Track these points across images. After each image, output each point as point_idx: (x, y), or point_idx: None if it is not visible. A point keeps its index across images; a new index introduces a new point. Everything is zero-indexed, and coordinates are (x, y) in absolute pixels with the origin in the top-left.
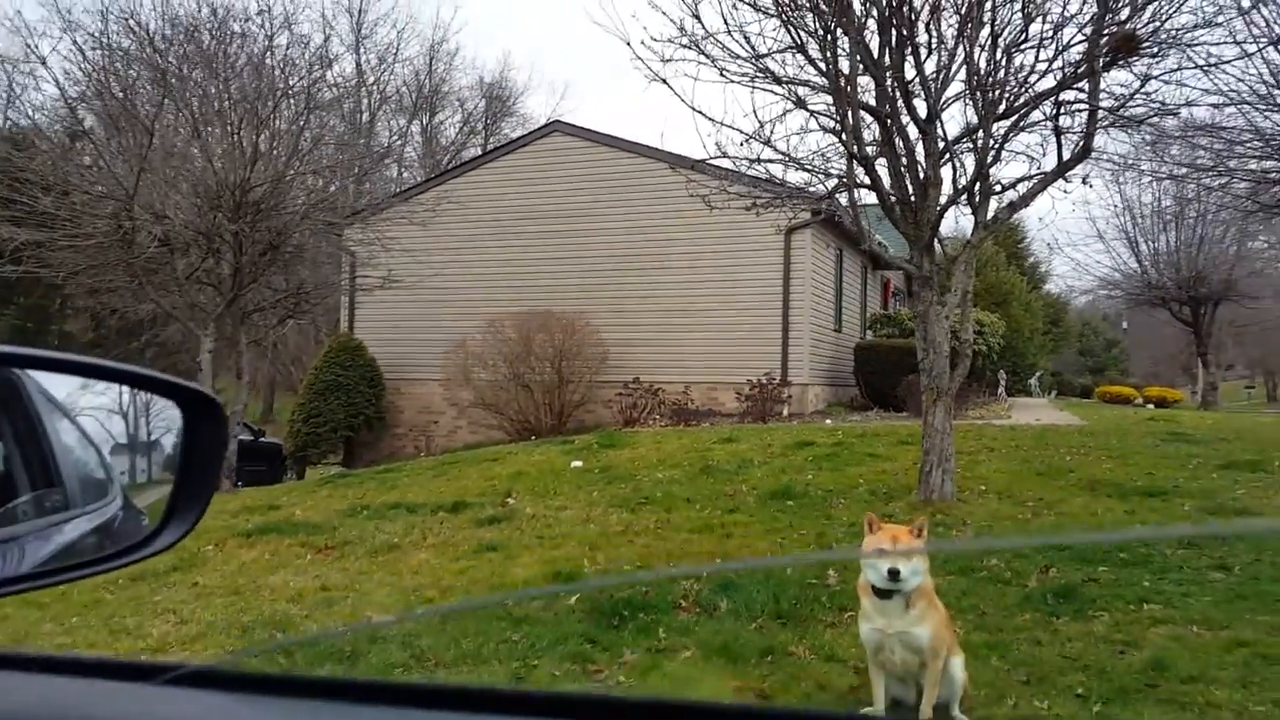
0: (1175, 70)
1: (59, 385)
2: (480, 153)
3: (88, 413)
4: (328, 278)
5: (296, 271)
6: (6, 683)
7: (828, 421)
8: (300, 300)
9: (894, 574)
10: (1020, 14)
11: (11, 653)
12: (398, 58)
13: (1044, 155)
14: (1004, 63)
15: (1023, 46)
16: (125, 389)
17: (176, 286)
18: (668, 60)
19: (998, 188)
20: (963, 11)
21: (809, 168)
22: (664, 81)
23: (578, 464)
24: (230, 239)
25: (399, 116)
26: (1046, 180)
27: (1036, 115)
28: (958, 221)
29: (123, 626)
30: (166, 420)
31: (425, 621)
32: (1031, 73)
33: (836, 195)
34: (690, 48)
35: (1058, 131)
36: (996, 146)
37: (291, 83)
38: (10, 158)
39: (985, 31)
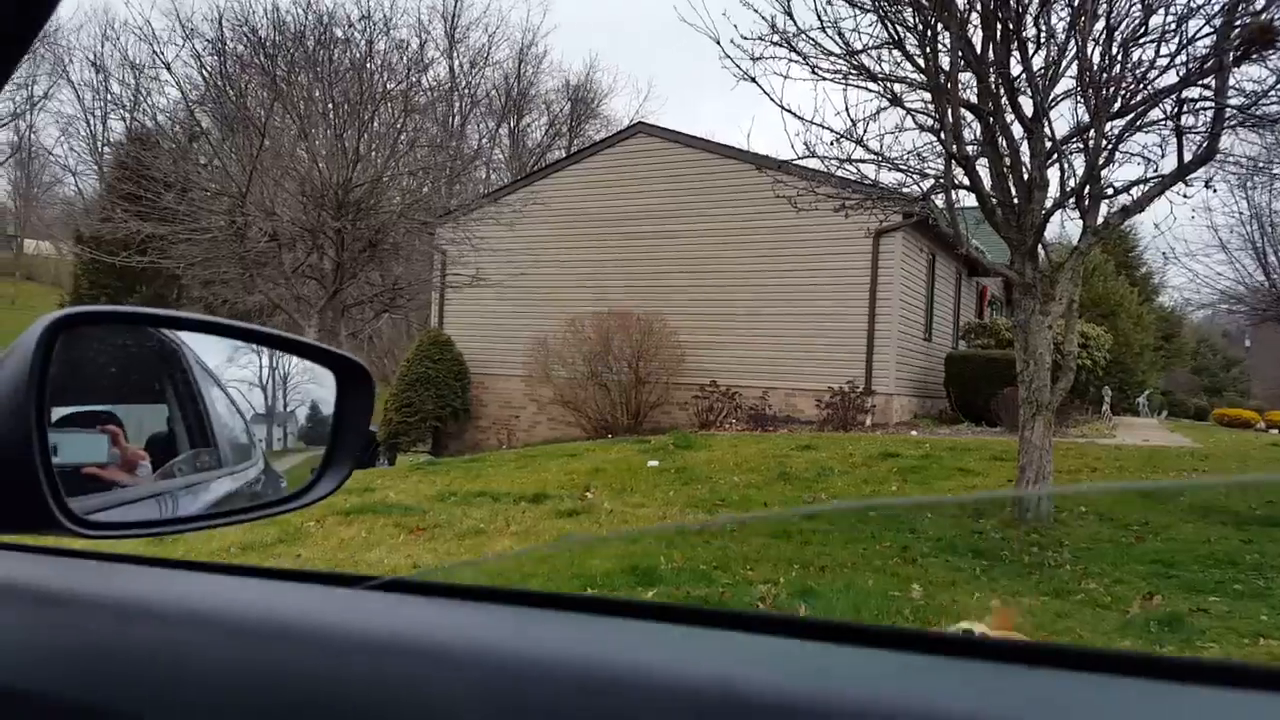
0: None
1: (210, 356)
2: (564, 155)
3: (232, 384)
4: (420, 275)
5: (391, 268)
6: (237, 585)
7: (914, 433)
8: (395, 295)
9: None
10: (1139, 5)
11: (237, 564)
12: (488, 61)
13: (1162, 157)
14: (1120, 58)
15: (1141, 40)
16: (272, 360)
17: (283, 279)
18: (758, 58)
19: (1110, 191)
20: (1075, 4)
21: (903, 168)
22: (753, 80)
23: (654, 463)
24: (333, 235)
25: (488, 119)
26: (1164, 184)
27: (1155, 114)
28: (1064, 227)
29: None
30: (302, 394)
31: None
32: (1151, 68)
33: (932, 197)
34: (781, 45)
35: (1179, 131)
36: (1110, 147)
37: (390, 87)
38: (138, 157)
39: (1100, 25)
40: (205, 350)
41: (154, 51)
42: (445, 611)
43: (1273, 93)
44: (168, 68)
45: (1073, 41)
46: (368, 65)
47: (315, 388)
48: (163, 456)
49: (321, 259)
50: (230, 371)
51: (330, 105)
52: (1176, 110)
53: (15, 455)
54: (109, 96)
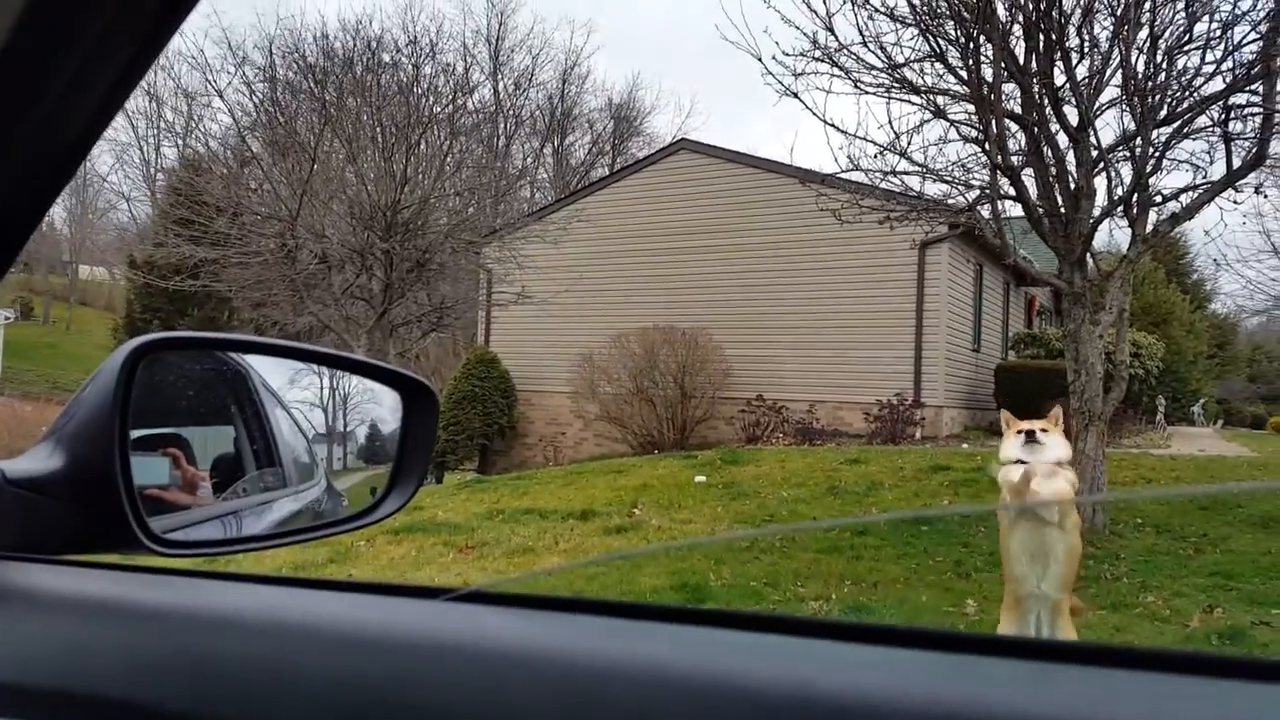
0: None
1: (274, 378)
2: (608, 173)
3: (295, 405)
4: (467, 294)
5: (438, 288)
6: (321, 598)
7: (964, 446)
8: (442, 314)
9: (1030, 434)
10: (1184, 13)
11: (320, 578)
12: (532, 83)
13: (1211, 163)
14: (1165, 65)
15: (1186, 48)
16: (333, 380)
17: (333, 300)
18: (800, 74)
19: (1158, 199)
20: (1118, 13)
21: (948, 179)
22: (795, 95)
23: (701, 479)
24: (381, 256)
25: (532, 139)
26: (1214, 190)
27: (1203, 120)
28: (1112, 235)
29: None
30: (361, 413)
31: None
32: (1197, 75)
33: (978, 207)
34: (823, 60)
35: (1227, 138)
36: (1157, 155)
37: (436, 110)
38: (191, 182)
39: (1144, 33)
40: (270, 373)
41: (206, 79)
42: (524, 621)
43: None
44: (220, 95)
45: (1116, 50)
46: (415, 89)
47: (374, 407)
48: (229, 477)
49: (370, 280)
50: (292, 393)
51: (378, 129)
52: (1224, 116)
53: (100, 477)
54: (162, 124)
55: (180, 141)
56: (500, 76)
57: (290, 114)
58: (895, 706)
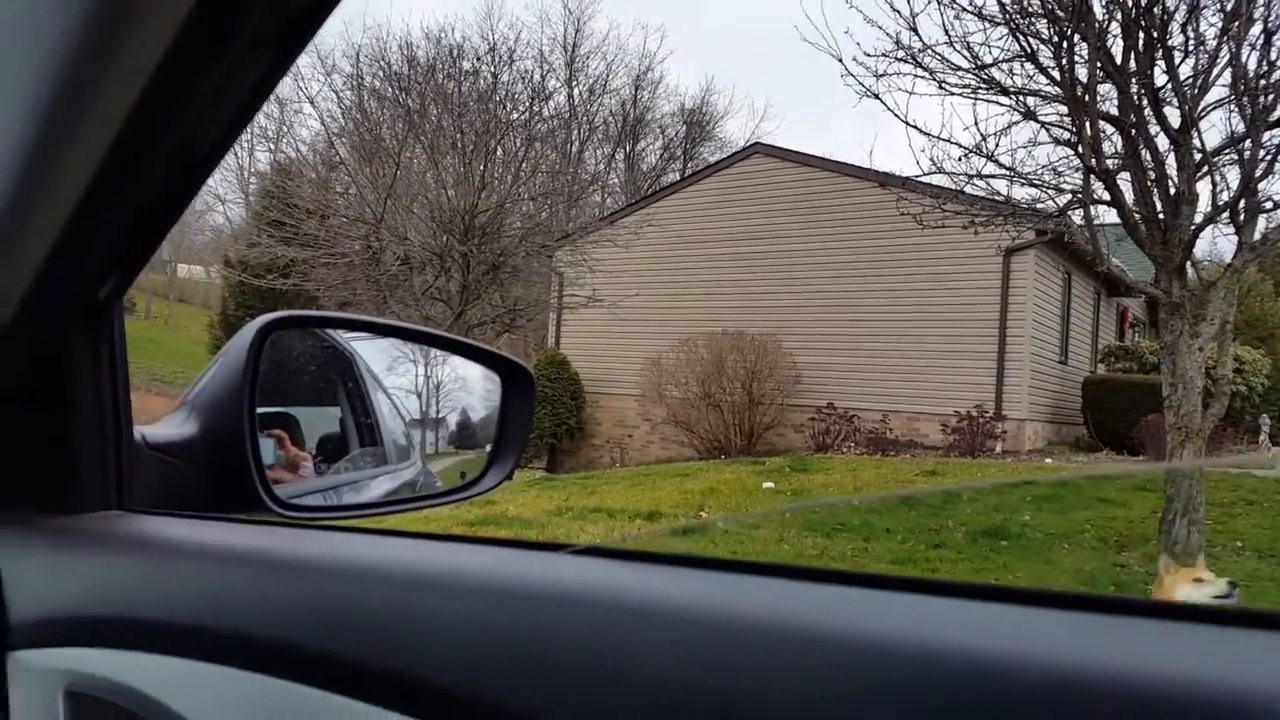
0: None
1: (376, 363)
2: (678, 178)
3: (393, 390)
4: (539, 296)
5: (512, 290)
6: (451, 550)
7: (1048, 461)
8: (515, 316)
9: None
10: None
11: (447, 534)
12: (606, 89)
13: None
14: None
15: None
16: (428, 369)
17: (413, 300)
18: (881, 75)
19: (1268, 205)
20: (1228, 8)
21: (1037, 183)
22: (876, 96)
23: (769, 485)
24: (459, 259)
25: (604, 145)
26: None
27: None
28: (1215, 243)
29: None
30: (453, 401)
31: None
32: None
33: (1069, 213)
34: (907, 61)
35: None
36: (1268, 158)
37: (513, 117)
38: (282, 186)
39: (1256, 29)
40: (372, 358)
41: (297, 86)
42: (643, 574)
43: None
44: (310, 101)
45: (1225, 47)
46: (493, 96)
47: (465, 395)
48: (334, 454)
49: (448, 281)
50: (391, 379)
51: (458, 135)
52: None
53: (231, 444)
54: (255, 129)
55: (272, 146)
56: (575, 83)
57: (376, 120)
58: (1028, 665)
